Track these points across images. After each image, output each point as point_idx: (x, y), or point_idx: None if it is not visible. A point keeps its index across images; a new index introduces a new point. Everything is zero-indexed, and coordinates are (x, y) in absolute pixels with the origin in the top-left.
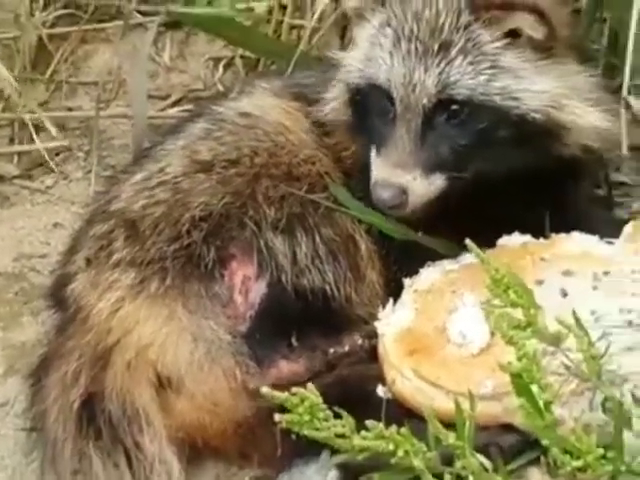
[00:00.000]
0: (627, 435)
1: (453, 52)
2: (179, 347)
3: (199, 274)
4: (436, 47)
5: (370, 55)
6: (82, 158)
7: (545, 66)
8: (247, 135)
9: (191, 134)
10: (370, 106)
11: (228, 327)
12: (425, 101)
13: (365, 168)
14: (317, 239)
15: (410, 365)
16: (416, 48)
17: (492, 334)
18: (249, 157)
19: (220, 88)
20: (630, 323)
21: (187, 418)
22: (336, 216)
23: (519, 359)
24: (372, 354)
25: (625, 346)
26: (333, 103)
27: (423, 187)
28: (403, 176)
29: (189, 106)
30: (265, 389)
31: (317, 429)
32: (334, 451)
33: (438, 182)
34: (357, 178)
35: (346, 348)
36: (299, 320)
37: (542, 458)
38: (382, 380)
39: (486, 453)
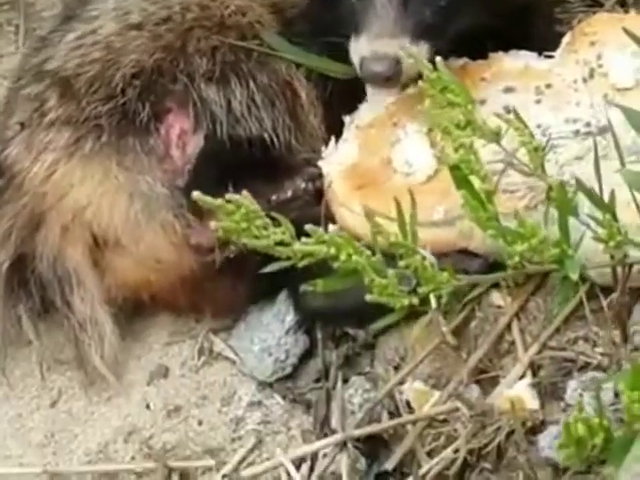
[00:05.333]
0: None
1: None
2: (115, 206)
3: (134, 130)
4: None
5: None
6: (12, 32)
7: None
8: None
9: None
10: None
11: (165, 181)
12: None
13: (308, 18)
14: (252, 86)
15: (359, 200)
16: None
17: (438, 160)
18: (180, 14)
19: None
20: (577, 132)
21: (130, 276)
22: (271, 63)
23: (456, 150)
24: (318, 196)
25: (574, 155)
26: None
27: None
28: (394, 45)
29: None
30: (196, 193)
31: (256, 237)
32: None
33: (425, 50)
34: (299, 27)
35: (289, 193)
36: (238, 170)
37: (502, 281)
38: (332, 220)
39: None
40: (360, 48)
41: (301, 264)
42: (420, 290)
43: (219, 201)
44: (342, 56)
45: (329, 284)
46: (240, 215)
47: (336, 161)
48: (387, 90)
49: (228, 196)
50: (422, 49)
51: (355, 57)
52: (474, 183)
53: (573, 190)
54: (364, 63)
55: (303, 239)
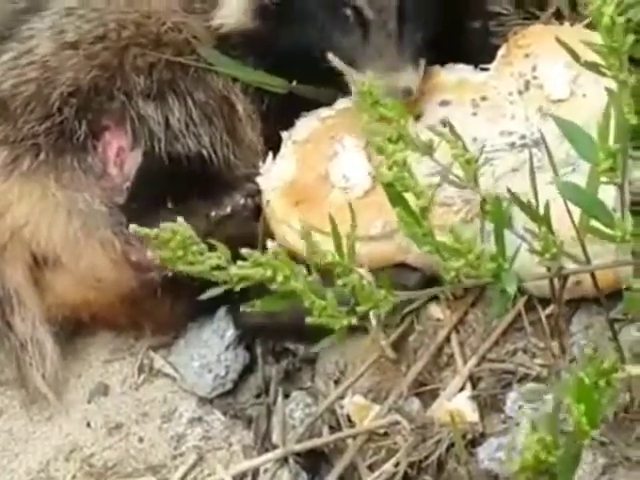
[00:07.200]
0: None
1: None
2: (54, 224)
3: (72, 148)
4: None
5: None
6: None
7: None
8: (110, 9)
9: (56, 12)
10: (305, 9)
11: (104, 198)
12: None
13: (246, 32)
14: (190, 103)
15: (298, 216)
16: None
17: (373, 178)
18: (116, 31)
19: None
20: (513, 145)
21: (70, 295)
22: (208, 79)
23: (390, 168)
24: (257, 213)
25: (510, 168)
26: (230, 9)
27: (418, 77)
28: (401, 78)
29: None
30: (133, 226)
31: (192, 263)
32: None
33: (422, 69)
34: (235, 39)
35: (228, 210)
36: (177, 186)
37: (441, 294)
38: (271, 237)
39: None
40: None
41: (238, 287)
42: (358, 309)
43: (155, 231)
44: (280, 70)
45: (267, 305)
46: (176, 242)
47: (274, 177)
48: None
49: (162, 225)
50: (420, 69)
51: None
52: (409, 200)
53: (507, 203)
54: None
55: (239, 262)
